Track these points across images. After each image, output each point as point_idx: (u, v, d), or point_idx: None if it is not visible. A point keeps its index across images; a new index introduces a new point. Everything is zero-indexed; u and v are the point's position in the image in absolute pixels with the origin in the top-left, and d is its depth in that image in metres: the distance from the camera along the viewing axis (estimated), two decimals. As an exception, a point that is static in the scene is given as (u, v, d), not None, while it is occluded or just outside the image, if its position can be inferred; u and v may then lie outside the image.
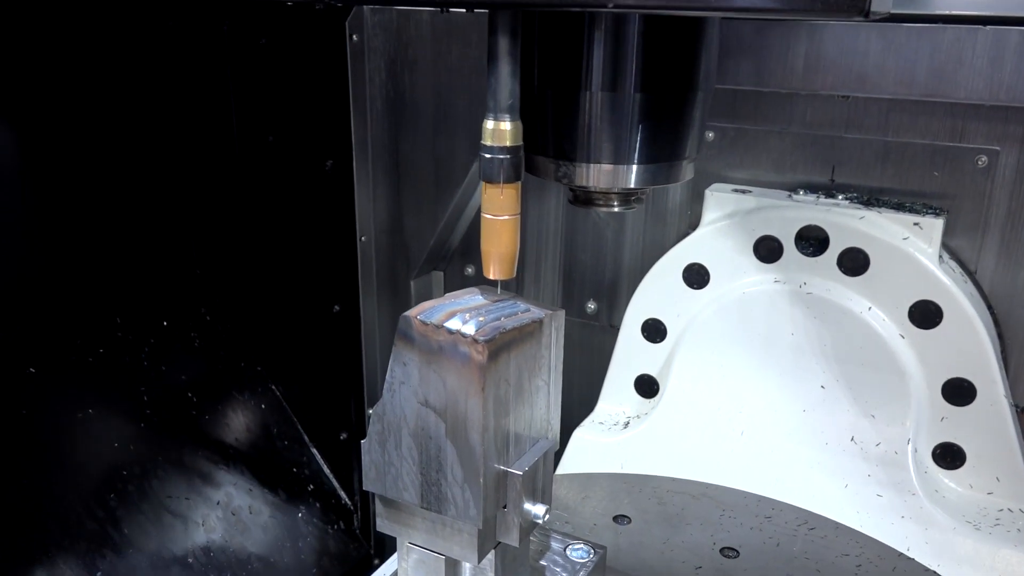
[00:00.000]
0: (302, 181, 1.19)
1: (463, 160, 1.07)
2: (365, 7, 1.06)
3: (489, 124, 0.54)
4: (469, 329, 0.51)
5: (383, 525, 0.59)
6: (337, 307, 1.23)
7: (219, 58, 1.16)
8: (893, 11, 0.49)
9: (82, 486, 1.04)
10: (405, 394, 0.53)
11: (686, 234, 0.99)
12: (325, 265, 1.21)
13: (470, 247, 1.17)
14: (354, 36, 1.06)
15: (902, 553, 0.75)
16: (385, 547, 1.32)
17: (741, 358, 0.93)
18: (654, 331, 1.00)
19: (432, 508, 0.55)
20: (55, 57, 0.98)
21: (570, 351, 1.17)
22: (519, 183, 0.56)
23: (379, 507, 0.58)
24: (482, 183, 0.55)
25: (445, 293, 1.18)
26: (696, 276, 0.96)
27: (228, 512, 1.20)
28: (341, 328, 1.23)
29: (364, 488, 0.58)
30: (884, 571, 0.73)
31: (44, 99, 0.99)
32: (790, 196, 0.93)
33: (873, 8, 0.43)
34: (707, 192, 0.95)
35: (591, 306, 1.12)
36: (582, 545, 0.71)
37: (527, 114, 0.61)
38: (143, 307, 1.18)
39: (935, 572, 0.73)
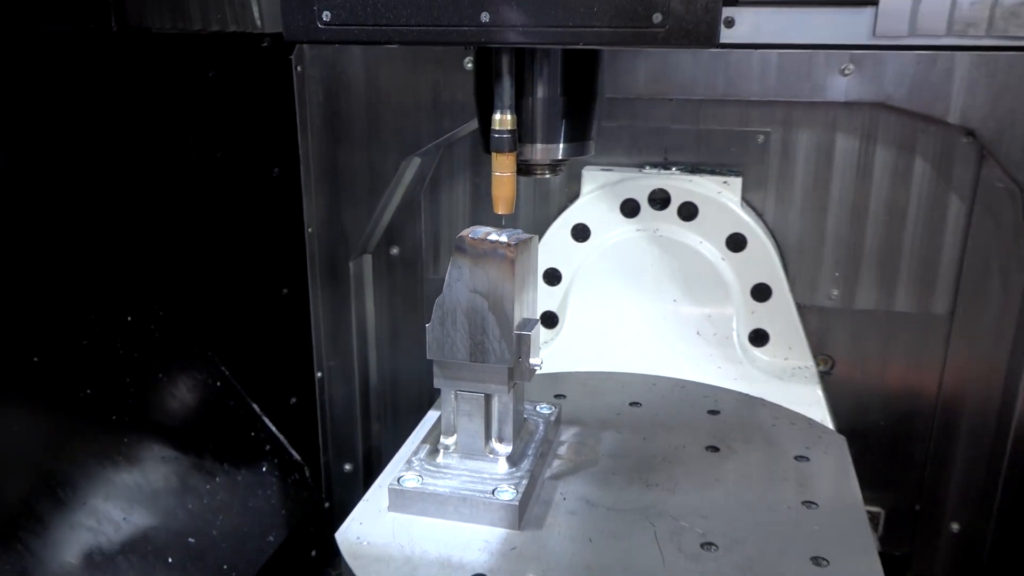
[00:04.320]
0: (252, 187, 1.44)
1: (391, 162, 1.37)
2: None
3: (497, 116, 0.87)
4: (503, 239, 0.83)
5: (439, 382, 0.89)
6: (286, 290, 1.48)
7: (176, 87, 1.40)
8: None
9: (67, 452, 1.23)
10: (460, 287, 0.85)
11: (566, 206, 1.35)
12: (275, 255, 1.46)
13: (393, 233, 1.47)
14: (298, 67, 1.34)
15: (736, 391, 1.16)
16: (333, 493, 1.57)
17: (618, 288, 1.31)
18: (552, 277, 1.35)
19: (477, 360, 0.86)
20: (50, 92, 1.23)
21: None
22: (515, 152, 0.89)
23: (436, 370, 0.89)
24: (492, 152, 0.88)
25: (373, 273, 1.49)
26: (580, 232, 1.33)
27: (204, 471, 1.41)
28: (290, 307, 1.48)
29: (428, 357, 0.88)
30: (728, 403, 1.12)
31: (37, 129, 1.24)
32: (640, 170, 1.32)
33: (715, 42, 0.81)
34: (584, 172, 1.32)
35: (495, 269, 1.45)
36: (546, 405, 1.05)
37: (488, 114, 0.93)
38: (112, 305, 1.39)
39: (761, 399, 1.14)
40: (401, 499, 0.87)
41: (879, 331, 1.34)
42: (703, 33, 0.76)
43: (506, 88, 0.87)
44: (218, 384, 1.51)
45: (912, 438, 1.39)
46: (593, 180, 1.31)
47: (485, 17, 0.80)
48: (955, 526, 1.39)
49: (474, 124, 1.30)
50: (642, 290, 1.30)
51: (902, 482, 1.41)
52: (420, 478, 0.88)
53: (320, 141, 1.37)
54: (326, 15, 0.83)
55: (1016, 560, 1.32)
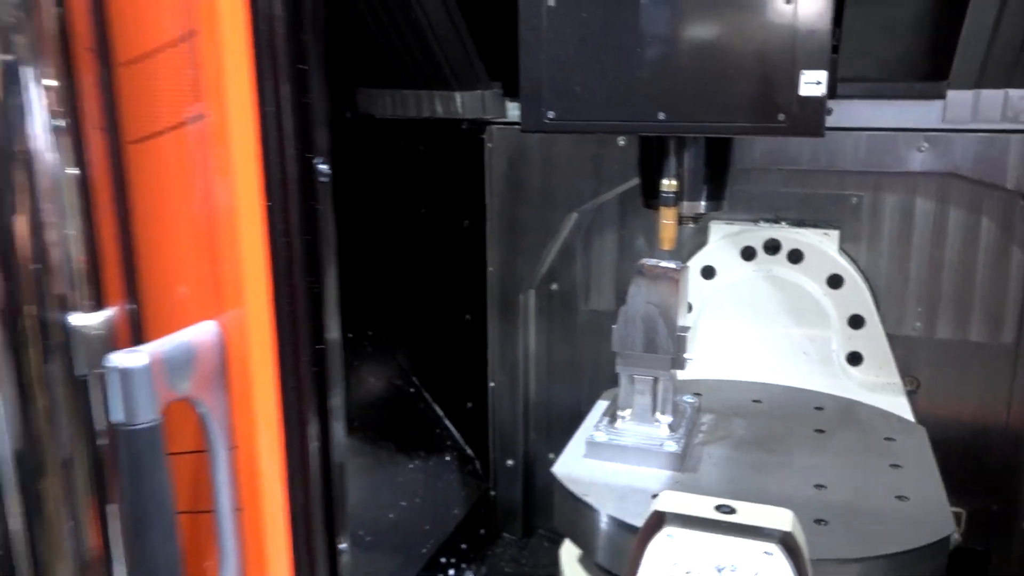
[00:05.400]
0: (447, 236, 1.85)
1: (557, 217, 1.76)
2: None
3: (665, 181, 1.24)
4: (672, 265, 1.20)
5: (620, 368, 1.25)
6: (468, 316, 1.88)
7: (393, 160, 1.84)
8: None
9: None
10: (638, 299, 1.21)
11: (694, 252, 1.71)
12: (462, 289, 1.85)
13: (554, 273, 1.85)
14: (489, 144, 1.75)
15: (839, 396, 1.47)
16: (498, 483, 1.93)
17: (739, 318, 1.65)
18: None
19: (650, 351, 1.22)
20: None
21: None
22: (676, 207, 1.26)
23: (618, 359, 1.25)
24: (660, 207, 1.25)
25: (536, 304, 1.87)
26: (708, 272, 1.68)
27: (405, 455, 1.79)
28: (471, 330, 1.87)
29: (612, 349, 1.24)
30: (832, 407, 1.44)
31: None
32: (756, 224, 1.67)
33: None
34: (711, 224, 1.68)
35: (635, 303, 1.81)
36: (690, 396, 1.39)
37: (649, 178, 1.31)
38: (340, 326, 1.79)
39: (859, 401, 1.45)
40: (595, 448, 1.22)
41: (957, 357, 1.63)
42: (813, 127, 1.12)
43: (671, 162, 1.25)
44: (411, 390, 1.91)
45: (988, 448, 1.66)
46: (719, 231, 1.67)
47: (661, 116, 1.18)
48: (1027, 525, 1.65)
49: (622, 187, 1.69)
50: (758, 318, 1.63)
51: (980, 486, 1.68)
52: (607, 436, 1.24)
53: (502, 200, 1.78)
54: (550, 114, 1.22)
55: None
